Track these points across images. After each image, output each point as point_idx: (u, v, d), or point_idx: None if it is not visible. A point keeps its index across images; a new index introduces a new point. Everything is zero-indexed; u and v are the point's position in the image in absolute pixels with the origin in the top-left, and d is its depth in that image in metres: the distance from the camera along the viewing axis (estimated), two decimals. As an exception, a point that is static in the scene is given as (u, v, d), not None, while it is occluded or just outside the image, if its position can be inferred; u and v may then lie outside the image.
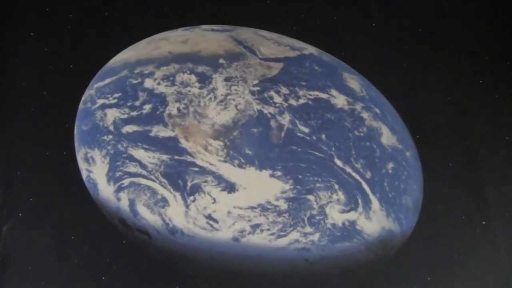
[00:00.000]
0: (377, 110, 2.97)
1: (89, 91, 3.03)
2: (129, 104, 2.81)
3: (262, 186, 2.65)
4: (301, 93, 2.81)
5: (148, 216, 2.74)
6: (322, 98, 2.84)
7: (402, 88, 3.21)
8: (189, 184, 2.66)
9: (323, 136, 2.74)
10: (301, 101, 2.79)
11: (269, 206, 2.65)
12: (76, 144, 2.97)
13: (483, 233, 3.05)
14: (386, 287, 2.86)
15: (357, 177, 2.75)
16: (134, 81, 2.86)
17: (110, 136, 2.81)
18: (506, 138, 3.20)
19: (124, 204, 2.78)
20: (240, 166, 2.64)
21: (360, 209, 2.74)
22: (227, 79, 2.79)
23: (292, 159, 2.68)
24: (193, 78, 2.79)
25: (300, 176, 2.67)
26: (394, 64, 3.26)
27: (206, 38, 3.00)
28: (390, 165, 2.85)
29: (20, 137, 3.04)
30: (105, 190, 2.83)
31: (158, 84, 2.80)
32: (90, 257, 2.87)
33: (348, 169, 2.73)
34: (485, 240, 3.04)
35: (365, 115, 2.90)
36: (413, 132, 3.08)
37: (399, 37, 3.31)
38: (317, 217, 2.68)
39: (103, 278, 2.85)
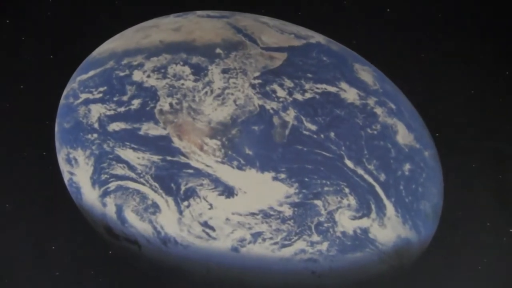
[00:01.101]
0: (392, 105, 2.93)
1: (71, 85, 2.99)
2: (115, 99, 2.79)
3: (264, 190, 2.61)
4: (307, 86, 2.79)
5: (137, 224, 2.70)
6: (331, 92, 2.82)
7: (421, 81, 3.13)
8: (182, 188, 2.64)
9: (332, 134, 2.72)
10: (308, 95, 2.78)
11: (272, 212, 2.62)
12: (57, 144, 2.95)
13: (510, 241, 2.96)
14: (402, 302, 2.83)
15: (370, 179, 2.72)
16: (121, 74, 2.85)
17: (95, 135, 2.79)
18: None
19: (111, 210, 2.74)
20: (239, 167, 2.61)
21: (373, 215, 2.71)
22: (224, 71, 2.75)
23: (298, 160, 2.66)
24: (187, 70, 2.76)
25: (306, 179, 2.65)
26: (411, 53, 3.18)
27: (201, 26, 2.98)
28: (407, 166, 2.82)
29: (-6, 136, 3.01)
30: (89, 195, 2.79)
31: (148, 76, 2.79)
32: (73, 269, 2.81)
33: (360, 171, 2.71)
34: (513, 250, 3.01)
35: (378, 110, 2.87)
36: (432, 129, 3.02)
37: (416, 24, 3.22)
38: (326, 225, 2.66)
39: (87, 292, 2.83)
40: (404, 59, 3.15)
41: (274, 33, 2.99)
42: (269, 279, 2.68)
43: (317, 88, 2.80)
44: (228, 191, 2.59)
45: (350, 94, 2.84)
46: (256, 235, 2.61)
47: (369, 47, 3.08)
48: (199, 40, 2.88)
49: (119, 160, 2.70)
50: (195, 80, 2.73)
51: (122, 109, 2.74)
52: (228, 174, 2.60)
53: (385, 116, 2.86)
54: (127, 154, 2.69)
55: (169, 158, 2.63)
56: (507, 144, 3.08)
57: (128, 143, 2.70)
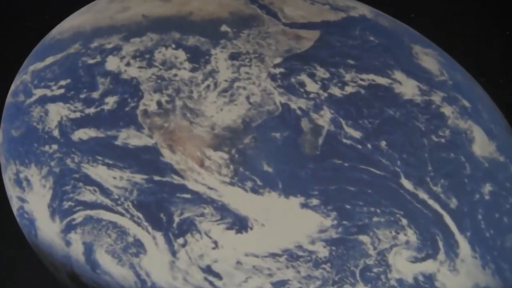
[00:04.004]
0: (466, 103, 2.68)
1: (22, 77, 2.85)
2: (82, 96, 2.56)
3: (289, 222, 2.37)
4: (348, 77, 2.52)
5: (113, 269, 2.50)
6: (381, 85, 2.54)
7: (505, 70, 2.93)
8: (176, 219, 2.39)
9: (383, 143, 2.42)
10: (349, 89, 2.50)
11: (300, 253, 2.34)
12: (2, 159, 2.81)
13: None
14: None
15: (436, 206, 2.40)
16: (91, 61, 2.63)
17: (55, 146, 2.57)
18: None
19: (77, 250, 2.55)
20: (254, 191, 2.35)
21: (441, 256, 2.38)
22: (233, 57, 2.53)
23: (335, 180, 2.37)
24: (181, 55, 2.55)
25: (347, 206, 2.35)
26: (492, 32, 3.01)
27: (200, -6, 2.83)
28: (487, 187, 2.52)
29: None
30: (47, 230, 2.61)
31: (128, 65, 2.56)
32: (27, 330, 2.82)
33: (422, 195, 2.40)
34: None
35: (447, 110, 2.58)
36: (523, 136, 2.89)
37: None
38: (375, 269, 2.35)
39: None
40: (483, 39, 2.90)
41: (302, 3, 2.78)
42: None
43: (362, 79, 2.54)
44: (240, 224, 2.35)
45: (408, 88, 2.57)
46: (279, 285, 2.34)
47: (433, 22, 2.83)
48: (197, 13, 2.68)
49: (88, 181, 2.49)
50: (193, 70, 2.50)
51: (91, 110, 2.54)
52: (239, 199, 2.36)
53: (456, 117, 2.60)
54: (99, 172, 2.48)
55: (157, 178, 2.40)
56: None
57: (100, 158, 2.49)
